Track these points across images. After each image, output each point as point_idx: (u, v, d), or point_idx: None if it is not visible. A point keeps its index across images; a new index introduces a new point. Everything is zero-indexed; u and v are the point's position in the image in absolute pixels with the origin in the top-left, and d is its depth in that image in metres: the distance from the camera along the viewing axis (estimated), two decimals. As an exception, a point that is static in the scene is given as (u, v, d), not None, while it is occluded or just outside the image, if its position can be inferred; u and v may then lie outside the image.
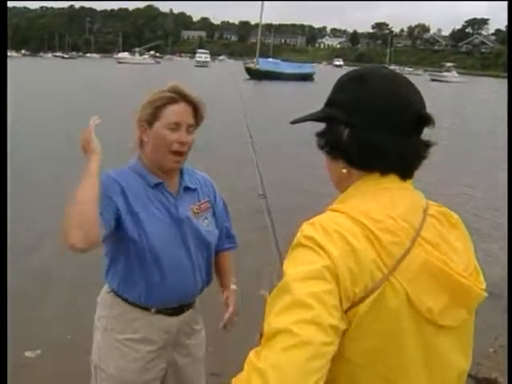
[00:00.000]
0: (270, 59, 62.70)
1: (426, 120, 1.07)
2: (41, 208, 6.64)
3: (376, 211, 1.00)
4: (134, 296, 1.89)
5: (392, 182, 1.07)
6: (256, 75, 49.17)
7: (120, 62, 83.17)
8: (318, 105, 1.20)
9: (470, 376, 3.30)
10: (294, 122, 1.19)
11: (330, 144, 1.11)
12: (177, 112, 1.85)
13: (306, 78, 50.85)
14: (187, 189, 1.98)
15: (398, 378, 0.98)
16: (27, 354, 3.49)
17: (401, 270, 0.95)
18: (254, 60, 56.69)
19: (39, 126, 14.08)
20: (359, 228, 0.96)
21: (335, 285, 0.91)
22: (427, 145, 1.09)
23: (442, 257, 0.99)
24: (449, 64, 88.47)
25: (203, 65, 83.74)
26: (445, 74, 78.30)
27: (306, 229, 0.99)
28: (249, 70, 51.99)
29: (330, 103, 1.14)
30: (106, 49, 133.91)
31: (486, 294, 1.03)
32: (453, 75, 77.51)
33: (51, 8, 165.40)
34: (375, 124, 1.04)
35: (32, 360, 3.47)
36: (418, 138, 1.08)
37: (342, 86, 1.13)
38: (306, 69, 56.06)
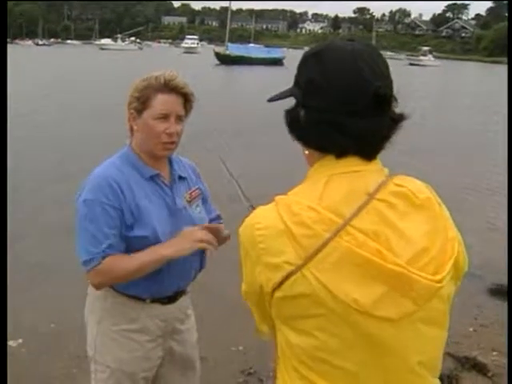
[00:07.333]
0: (251, 44, 62.40)
1: (384, 100, 1.02)
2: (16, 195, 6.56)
3: (299, 203, 1.01)
4: (132, 291, 1.86)
5: (343, 167, 1.05)
6: (225, 60, 49.27)
7: (102, 49, 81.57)
8: (284, 87, 1.17)
9: (448, 354, 3.36)
10: (270, 100, 1.18)
11: (290, 125, 1.10)
12: (166, 102, 1.79)
13: (276, 62, 50.91)
14: (180, 178, 1.96)
15: (331, 346, 1.02)
16: (9, 343, 3.46)
17: (316, 262, 0.97)
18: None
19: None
20: (281, 223, 1.02)
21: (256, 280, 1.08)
22: (395, 121, 1.05)
23: (376, 246, 0.96)
24: (425, 48, 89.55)
25: (192, 51, 79.96)
26: (421, 58, 79.44)
27: (242, 228, 1.10)
28: (218, 55, 52.10)
29: (295, 80, 1.12)
30: (86, 35, 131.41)
31: (439, 285, 0.98)
32: (429, 59, 78.67)
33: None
34: (329, 106, 1.02)
35: (14, 349, 3.44)
36: (380, 117, 1.03)
37: (302, 62, 1.10)
38: (275, 53, 56.34)
